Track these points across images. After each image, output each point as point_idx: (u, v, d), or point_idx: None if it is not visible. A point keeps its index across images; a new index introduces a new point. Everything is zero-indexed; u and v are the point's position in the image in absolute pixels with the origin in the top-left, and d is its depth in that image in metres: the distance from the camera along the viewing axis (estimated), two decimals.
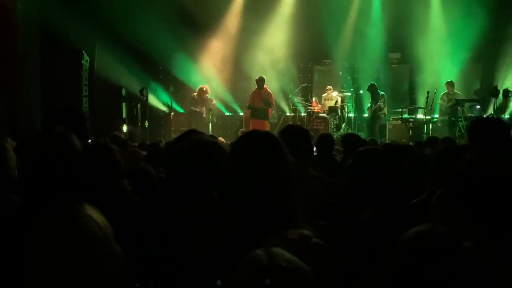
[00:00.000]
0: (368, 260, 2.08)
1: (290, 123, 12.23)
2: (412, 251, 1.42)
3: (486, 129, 3.08)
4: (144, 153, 4.85)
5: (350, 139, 5.47)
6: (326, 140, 4.69)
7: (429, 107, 12.07)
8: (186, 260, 1.88)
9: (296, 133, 3.21)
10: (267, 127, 12.05)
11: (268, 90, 12.12)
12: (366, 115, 13.10)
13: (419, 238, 1.44)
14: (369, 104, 12.61)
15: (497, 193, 1.59)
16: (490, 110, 11.78)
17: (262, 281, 1.13)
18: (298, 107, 13.12)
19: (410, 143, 8.72)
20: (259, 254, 1.19)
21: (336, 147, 6.17)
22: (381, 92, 12.37)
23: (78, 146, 2.00)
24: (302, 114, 13.13)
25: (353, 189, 2.55)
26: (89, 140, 4.62)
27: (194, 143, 2.18)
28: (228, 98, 14.60)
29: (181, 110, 13.73)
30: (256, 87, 12.13)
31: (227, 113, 14.69)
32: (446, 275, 1.36)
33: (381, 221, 2.25)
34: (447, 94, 12.24)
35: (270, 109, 12.12)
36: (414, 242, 1.43)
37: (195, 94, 12.63)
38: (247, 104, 12.43)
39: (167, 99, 13.81)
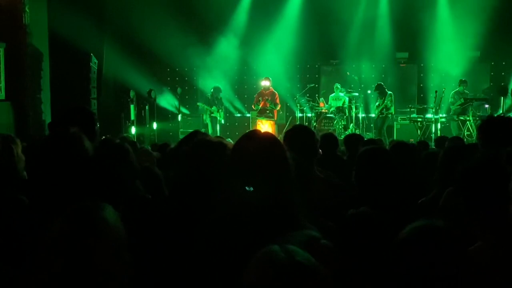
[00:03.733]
0: (374, 260, 2.08)
1: (297, 123, 12.26)
2: (410, 246, 1.42)
3: (497, 128, 3.04)
4: (155, 153, 4.86)
5: (352, 140, 5.48)
6: (329, 139, 4.70)
7: (437, 107, 12.01)
8: (191, 260, 1.89)
9: (301, 133, 3.22)
10: (274, 128, 12.05)
11: (274, 91, 12.13)
12: (373, 115, 13.04)
13: (417, 233, 1.44)
14: (376, 103, 12.58)
15: (501, 191, 1.59)
16: (502, 109, 11.69)
17: (281, 277, 1.12)
18: (305, 108, 13.11)
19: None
20: (276, 250, 1.19)
21: (343, 147, 6.18)
22: (389, 92, 12.33)
23: (89, 148, 2.01)
24: (310, 115, 13.12)
25: (358, 188, 2.55)
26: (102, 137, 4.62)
27: (200, 143, 2.19)
28: (236, 99, 14.63)
29: (188, 112, 13.78)
30: (262, 88, 12.14)
31: (235, 114, 14.72)
32: (445, 269, 1.36)
33: (386, 221, 2.25)
34: (457, 92, 12.16)
35: (276, 110, 12.12)
36: (413, 237, 1.44)
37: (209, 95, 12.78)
38: (253, 104, 12.44)
39: (175, 101, 13.86)
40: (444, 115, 12.61)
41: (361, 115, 13.29)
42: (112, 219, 1.54)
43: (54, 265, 1.41)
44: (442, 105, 12.34)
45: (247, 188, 1.71)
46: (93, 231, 1.47)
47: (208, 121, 12.49)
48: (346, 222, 2.45)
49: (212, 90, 12.71)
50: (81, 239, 1.44)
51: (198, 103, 13.07)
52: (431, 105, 12.36)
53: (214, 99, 12.57)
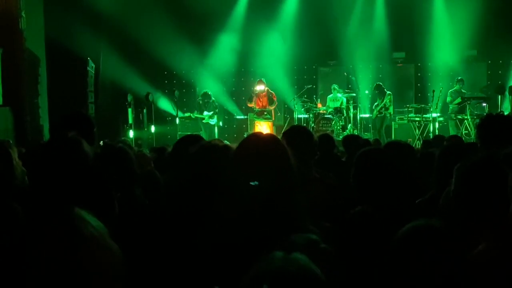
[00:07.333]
0: (372, 261, 2.08)
1: (295, 124, 12.26)
2: (407, 246, 1.42)
3: (496, 126, 3.02)
4: (152, 156, 4.86)
5: (350, 140, 5.48)
6: (326, 139, 4.71)
7: (435, 106, 12.02)
8: (193, 264, 1.88)
9: (299, 134, 3.22)
10: (272, 129, 12.05)
11: (270, 90, 12.18)
12: (371, 115, 13.05)
13: (414, 233, 1.44)
14: (375, 104, 12.61)
15: (499, 191, 1.57)
16: (500, 108, 11.71)
17: (271, 285, 1.10)
18: (303, 109, 13.11)
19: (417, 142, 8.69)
20: (275, 258, 1.17)
21: (341, 148, 6.18)
22: (388, 92, 12.36)
23: (88, 152, 2.01)
24: (307, 116, 13.12)
25: (356, 188, 2.55)
26: (101, 142, 4.61)
27: (205, 148, 2.17)
28: (233, 101, 14.63)
29: (186, 115, 13.79)
30: (258, 91, 12.13)
31: (232, 117, 14.72)
32: (443, 269, 1.36)
33: (384, 221, 2.25)
34: (454, 91, 12.18)
35: (273, 109, 12.16)
36: (410, 237, 1.44)
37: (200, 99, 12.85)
38: (249, 104, 12.44)
39: (173, 104, 13.86)
40: (441, 114, 12.61)
41: (359, 115, 13.30)
42: (89, 218, 1.52)
43: (44, 275, 1.40)
44: (440, 104, 12.35)
45: (248, 189, 1.71)
46: (78, 235, 1.45)
47: (202, 127, 12.54)
48: (347, 221, 2.45)
49: (200, 97, 12.80)
50: (67, 244, 1.43)
51: (192, 115, 13.05)
52: (429, 104, 12.36)
53: (205, 104, 12.61)
